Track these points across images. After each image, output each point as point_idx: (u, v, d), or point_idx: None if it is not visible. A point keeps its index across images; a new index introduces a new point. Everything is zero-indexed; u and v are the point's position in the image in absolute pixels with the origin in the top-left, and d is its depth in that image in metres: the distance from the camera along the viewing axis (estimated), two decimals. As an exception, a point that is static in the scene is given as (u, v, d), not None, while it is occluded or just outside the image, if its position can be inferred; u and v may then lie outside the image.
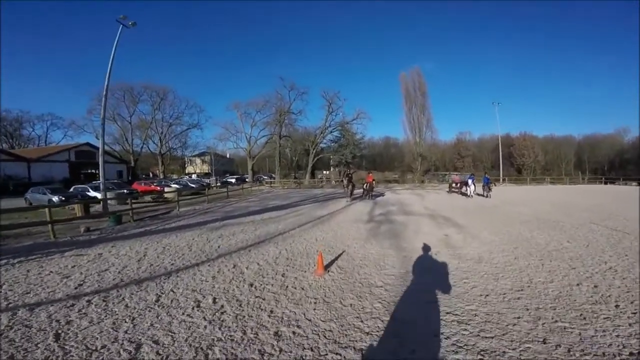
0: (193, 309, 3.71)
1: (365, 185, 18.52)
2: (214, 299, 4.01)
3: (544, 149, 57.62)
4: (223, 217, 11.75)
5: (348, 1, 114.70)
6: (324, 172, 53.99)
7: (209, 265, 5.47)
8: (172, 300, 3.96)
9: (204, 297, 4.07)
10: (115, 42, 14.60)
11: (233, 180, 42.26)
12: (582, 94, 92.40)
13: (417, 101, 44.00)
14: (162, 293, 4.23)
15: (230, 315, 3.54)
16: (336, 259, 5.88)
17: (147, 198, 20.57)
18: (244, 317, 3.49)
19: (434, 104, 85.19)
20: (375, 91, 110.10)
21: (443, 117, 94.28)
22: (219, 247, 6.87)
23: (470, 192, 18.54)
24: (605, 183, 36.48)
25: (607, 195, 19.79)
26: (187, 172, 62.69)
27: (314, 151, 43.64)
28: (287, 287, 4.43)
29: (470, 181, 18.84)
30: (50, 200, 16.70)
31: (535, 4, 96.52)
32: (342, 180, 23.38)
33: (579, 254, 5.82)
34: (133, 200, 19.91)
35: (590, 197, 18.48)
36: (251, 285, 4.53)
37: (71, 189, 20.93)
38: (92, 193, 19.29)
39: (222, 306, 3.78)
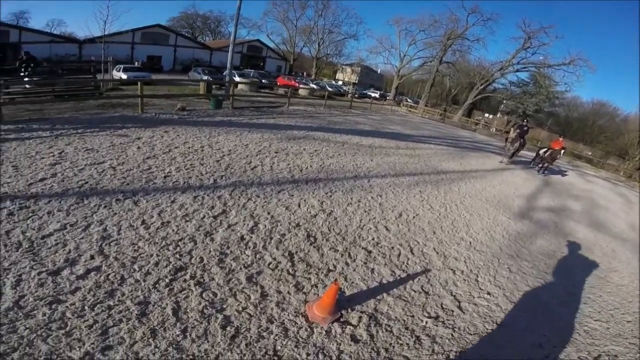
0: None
1: (544, 151, 11.64)
2: (88, 268, 1.95)
3: None
4: (318, 126, 9.52)
5: None
6: (486, 115, 42.41)
7: (195, 197, 3.44)
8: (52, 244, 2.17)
9: (78, 260, 2.08)
10: None
11: (374, 95, 38.74)
12: None
13: None
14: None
15: None
16: (390, 288, 2.65)
17: (281, 91, 20.62)
18: None
19: None
20: (596, 37, 69.39)
21: None
22: (255, 167, 4.75)
23: None
24: None
25: None
26: (336, 78, 62.85)
27: (481, 87, 33.28)
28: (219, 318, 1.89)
29: None
30: (202, 78, 18.80)
31: None
32: (507, 131, 16.37)
33: None
34: (267, 91, 20.71)
35: None
36: (179, 271, 2.22)
37: (224, 72, 23.31)
38: (236, 78, 20.60)
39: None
